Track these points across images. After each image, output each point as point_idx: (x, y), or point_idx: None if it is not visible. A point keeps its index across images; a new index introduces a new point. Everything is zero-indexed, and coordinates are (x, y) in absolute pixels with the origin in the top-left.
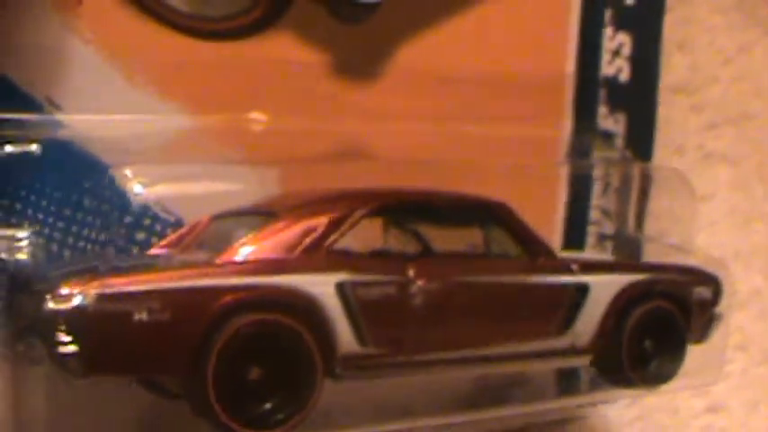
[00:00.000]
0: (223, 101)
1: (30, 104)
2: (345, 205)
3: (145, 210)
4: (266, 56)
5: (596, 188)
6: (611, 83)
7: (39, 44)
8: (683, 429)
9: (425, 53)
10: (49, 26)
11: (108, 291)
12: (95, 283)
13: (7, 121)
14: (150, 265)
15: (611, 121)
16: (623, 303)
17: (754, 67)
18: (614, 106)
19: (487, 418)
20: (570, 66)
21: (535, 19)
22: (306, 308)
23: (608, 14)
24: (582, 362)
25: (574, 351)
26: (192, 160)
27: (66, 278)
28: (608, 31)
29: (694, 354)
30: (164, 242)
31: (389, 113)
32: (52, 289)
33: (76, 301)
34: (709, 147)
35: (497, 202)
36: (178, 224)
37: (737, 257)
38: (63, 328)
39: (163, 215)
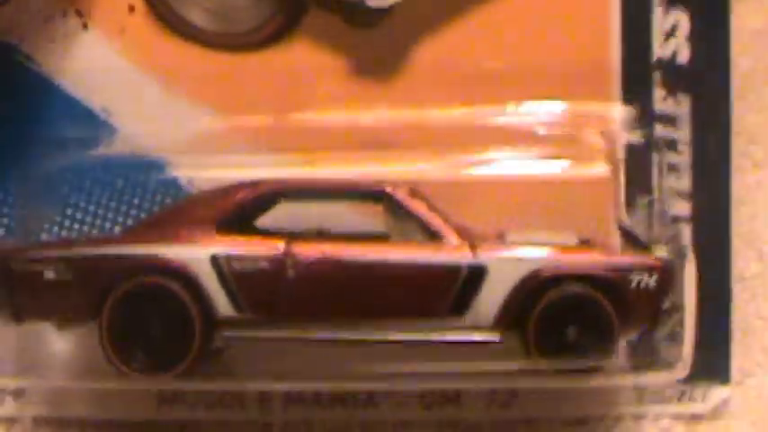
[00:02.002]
0: (248, 104)
1: (87, 113)
2: (241, 189)
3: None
4: (285, 63)
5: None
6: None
7: (94, 66)
8: None
9: (457, 48)
10: (100, 51)
11: (26, 254)
12: (21, 248)
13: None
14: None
15: (670, 104)
16: (531, 286)
17: None
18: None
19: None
20: (615, 50)
21: (572, 5)
22: (183, 275)
23: None
24: (485, 341)
25: (476, 330)
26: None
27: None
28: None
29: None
30: None
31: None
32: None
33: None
34: None
35: (399, 184)
36: None
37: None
38: None
39: None
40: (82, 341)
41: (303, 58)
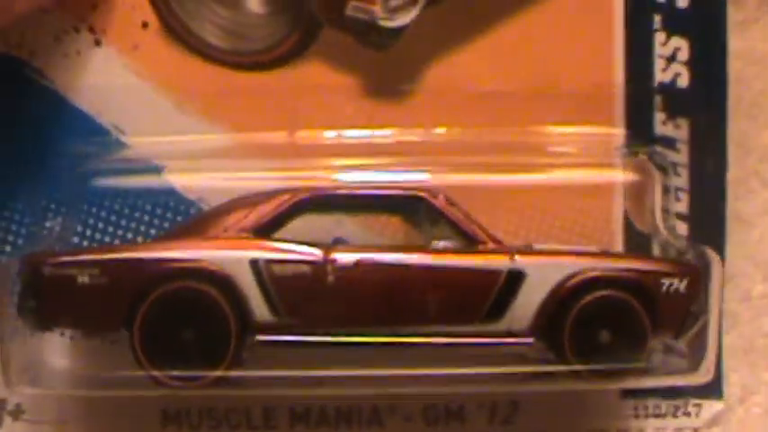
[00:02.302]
0: (262, 122)
1: (98, 130)
2: (277, 197)
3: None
4: (299, 82)
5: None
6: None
7: (106, 82)
8: None
9: (460, 71)
10: (113, 68)
11: (59, 259)
12: (52, 254)
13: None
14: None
15: (670, 128)
16: (567, 290)
17: None
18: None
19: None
20: (619, 74)
21: (577, 29)
22: (222, 280)
23: (657, 19)
24: (520, 347)
25: (510, 335)
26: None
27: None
28: (660, 36)
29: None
30: None
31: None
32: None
33: (37, 266)
34: None
35: (434, 191)
36: None
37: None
38: (26, 287)
39: None
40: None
41: (316, 76)
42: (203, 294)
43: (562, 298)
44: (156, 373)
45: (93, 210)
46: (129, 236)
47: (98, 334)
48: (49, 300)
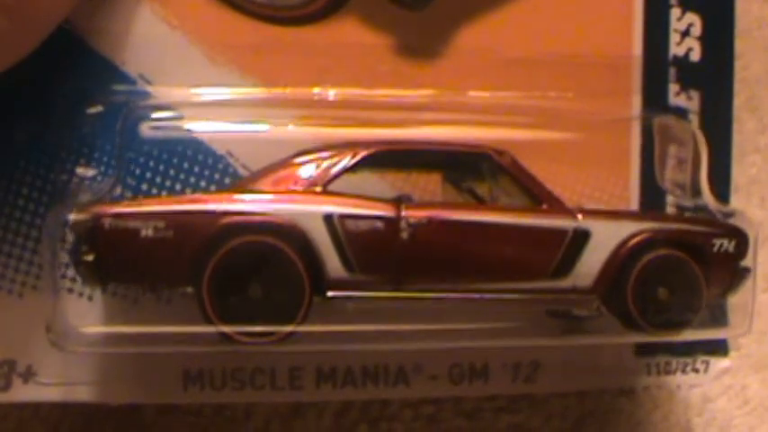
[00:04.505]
0: (294, 77)
1: (125, 80)
2: (346, 150)
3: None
4: (332, 39)
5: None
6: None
7: (133, 30)
8: None
9: (489, 36)
10: (141, 14)
11: (120, 210)
12: (111, 205)
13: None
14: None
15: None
16: (630, 249)
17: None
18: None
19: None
20: (638, 46)
21: (600, 2)
22: (293, 234)
23: None
24: (585, 303)
25: (575, 292)
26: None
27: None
28: (676, 11)
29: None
30: None
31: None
32: (83, 210)
33: (95, 217)
34: None
35: (500, 150)
36: None
37: (736, 191)
38: (83, 240)
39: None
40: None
41: (350, 34)
42: (276, 249)
43: (624, 257)
44: (226, 329)
45: (115, 161)
46: (154, 191)
47: (162, 289)
48: (109, 253)
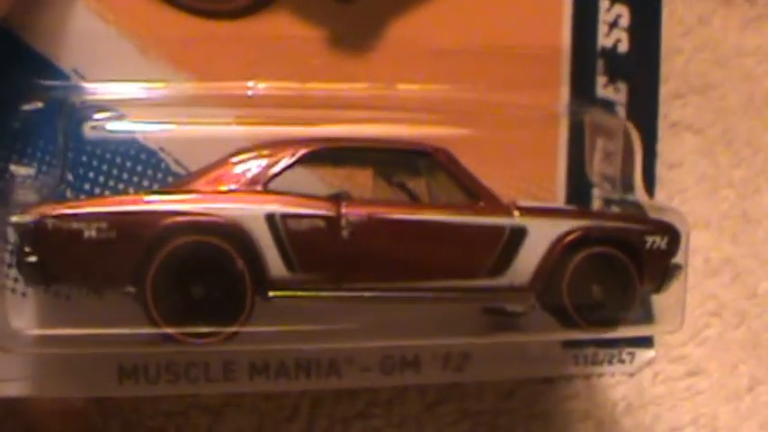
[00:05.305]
0: (226, 71)
1: (58, 75)
2: (286, 148)
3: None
4: (265, 32)
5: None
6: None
7: (68, 25)
8: (666, 392)
9: (419, 27)
10: (75, 10)
11: (63, 211)
12: (54, 206)
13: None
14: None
15: (611, 90)
16: (565, 246)
17: (713, 37)
18: (614, 76)
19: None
20: (566, 38)
21: None
22: (236, 234)
23: None
24: (521, 301)
25: (512, 290)
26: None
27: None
28: (604, 2)
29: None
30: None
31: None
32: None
33: (38, 219)
34: (674, 116)
35: (438, 147)
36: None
37: (708, 225)
38: (26, 241)
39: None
40: None
41: (282, 27)
42: (219, 249)
43: (559, 254)
44: (169, 330)
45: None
46: (87, 187)
47: (104, 290)
48: (53, 255)
